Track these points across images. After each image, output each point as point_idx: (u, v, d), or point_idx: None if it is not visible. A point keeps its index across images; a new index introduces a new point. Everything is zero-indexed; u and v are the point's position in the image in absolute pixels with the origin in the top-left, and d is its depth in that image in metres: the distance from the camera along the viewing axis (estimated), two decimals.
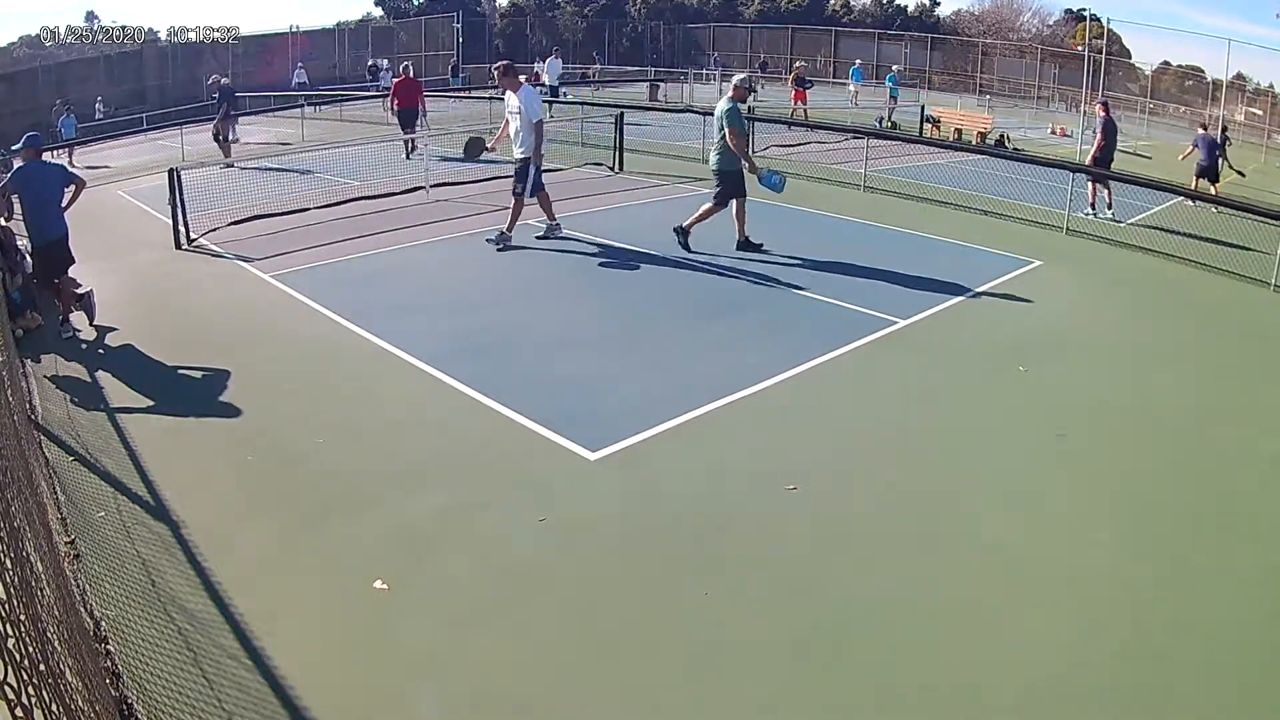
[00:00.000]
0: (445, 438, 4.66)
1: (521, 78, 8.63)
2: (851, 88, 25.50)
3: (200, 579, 3.36)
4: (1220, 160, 13.23)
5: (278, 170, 12.67)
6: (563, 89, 24.41)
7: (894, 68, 26.54)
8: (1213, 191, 12.22)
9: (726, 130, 7.80)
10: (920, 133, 18.98)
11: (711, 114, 8.45)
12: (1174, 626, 3.20)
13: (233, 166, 12.98)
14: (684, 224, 8.24)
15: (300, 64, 30.20)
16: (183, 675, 2.83)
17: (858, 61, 27.41)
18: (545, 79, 21.70)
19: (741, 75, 8.73)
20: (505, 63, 8.60)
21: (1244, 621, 3.23)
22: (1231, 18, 45.38)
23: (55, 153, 17.54)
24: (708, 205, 8.18)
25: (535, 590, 3.37)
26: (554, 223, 8.64)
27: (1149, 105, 27.52)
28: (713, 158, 8.13)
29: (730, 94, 8.10)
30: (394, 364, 5.63)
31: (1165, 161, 15.31)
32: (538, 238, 8.58)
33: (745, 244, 8.25)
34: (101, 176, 14.78)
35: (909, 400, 5.20)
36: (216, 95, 15.61)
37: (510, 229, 8.37)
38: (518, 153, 8.21)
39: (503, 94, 8.65)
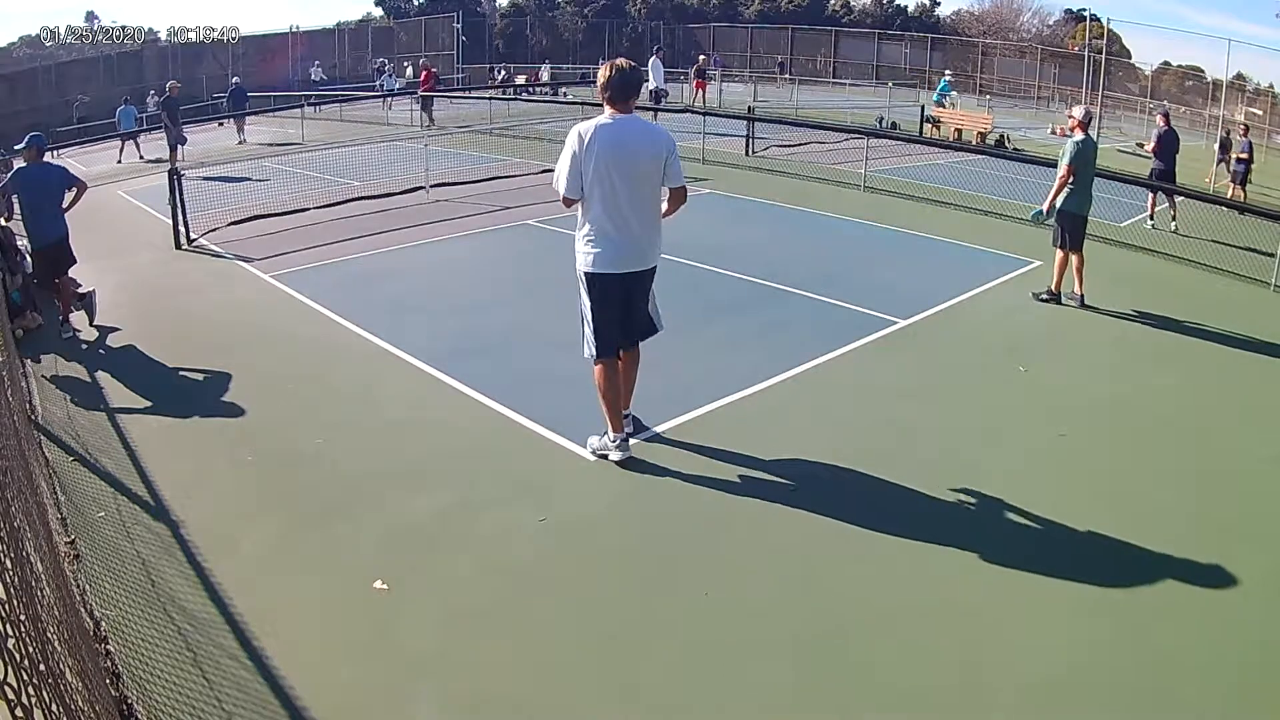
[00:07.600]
0: (445, 438, 4.66)
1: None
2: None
3: (200, 579, 3.36)
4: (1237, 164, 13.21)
5: (278, 170, 12.67)
6: (563, 89, 24.45)
7: (946, 73, 26.38)
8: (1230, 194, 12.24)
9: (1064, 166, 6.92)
10: (920, 133, 18.99)
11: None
12: (1174, 626, 3.20)
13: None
14: (1060, 290, 7.06)
15: (317, 62, 32.03)
16: (183, 675, 2.83)
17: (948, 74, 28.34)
18: (651, 82, 19.85)
19: (1081, 108, 7.45)
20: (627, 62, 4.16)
21: (1244, 622, 3.23)
22: (1231, 18, 45.54)
23: (120, 143, 17.64)
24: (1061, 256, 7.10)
25: (535, 590, 3.37)
26: None
27: (1149, 105, 27.50)
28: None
29: (1073, 128, 7.13)
30: (394, 364, 5.63)
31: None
32: None
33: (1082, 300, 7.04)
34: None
35: (909, 400, 5.20)
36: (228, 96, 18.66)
37: None
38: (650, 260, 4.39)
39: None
